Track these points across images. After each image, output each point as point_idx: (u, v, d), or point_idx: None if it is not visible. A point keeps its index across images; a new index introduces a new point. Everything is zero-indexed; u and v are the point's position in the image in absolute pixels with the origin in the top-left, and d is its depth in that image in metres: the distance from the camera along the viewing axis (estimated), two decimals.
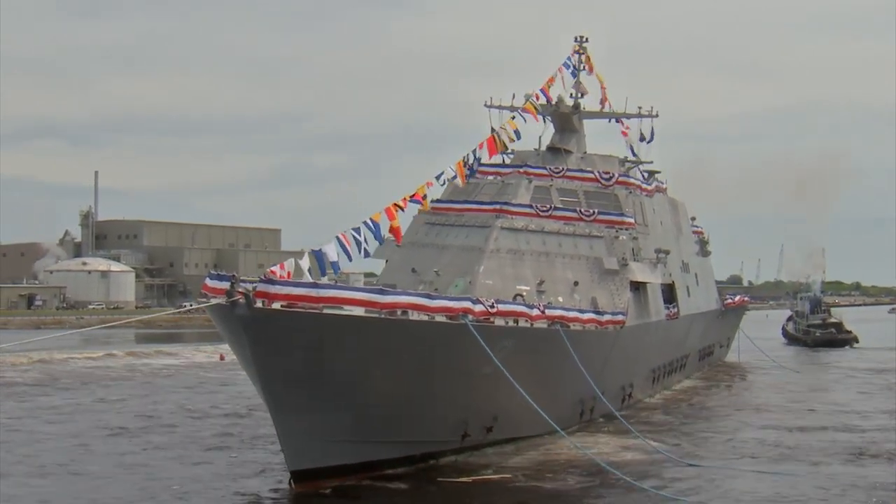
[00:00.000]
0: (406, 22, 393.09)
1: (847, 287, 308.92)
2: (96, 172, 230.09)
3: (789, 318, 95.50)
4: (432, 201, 38.49)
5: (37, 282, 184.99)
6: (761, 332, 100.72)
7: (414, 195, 28.25)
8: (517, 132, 34.92)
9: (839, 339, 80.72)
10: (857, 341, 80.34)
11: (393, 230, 27.24)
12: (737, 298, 67.80)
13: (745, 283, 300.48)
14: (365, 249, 26.03)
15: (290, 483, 23.71)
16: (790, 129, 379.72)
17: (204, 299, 22.55)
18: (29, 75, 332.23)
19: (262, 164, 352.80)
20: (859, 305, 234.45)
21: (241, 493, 23.39)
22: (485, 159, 34.77)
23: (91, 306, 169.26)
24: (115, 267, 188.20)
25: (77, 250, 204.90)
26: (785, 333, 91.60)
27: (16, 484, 24.19)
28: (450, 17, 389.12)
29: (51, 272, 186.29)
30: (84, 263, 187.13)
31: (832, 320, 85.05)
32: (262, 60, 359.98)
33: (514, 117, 36.48)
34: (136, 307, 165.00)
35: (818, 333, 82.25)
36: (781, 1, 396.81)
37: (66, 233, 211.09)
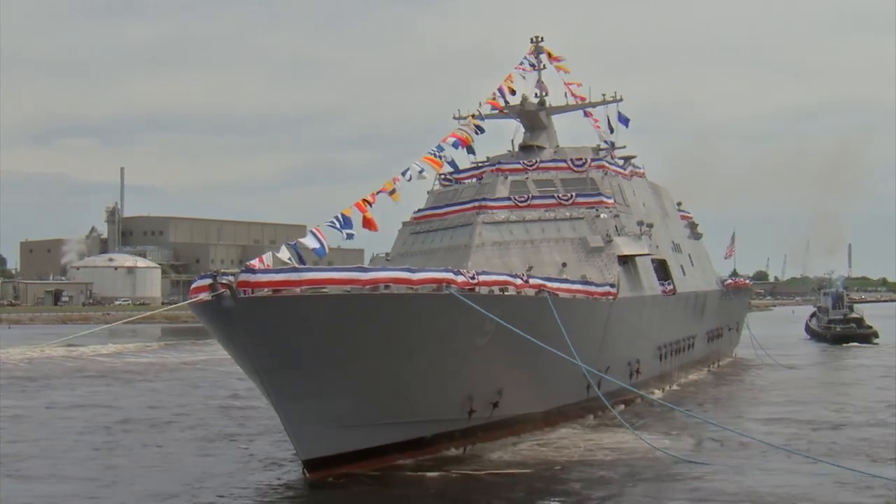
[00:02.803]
0: (433, 22, 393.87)
1: (873, 283, 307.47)
2: (122, 169, 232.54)
3: (812, 314, 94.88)
4: (415, 211, 39.55)
5: (63, 278, 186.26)
6: (785, 329, 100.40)
7: (380, 190, 28.42)
8: (479, 128, 35.01)
9: (859, 334, 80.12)
10: (878, 336, 79.84)
11: (366, 221, 27.36)
12: (737, 280, 67.12)
13: (771, 280, 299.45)
14: (348, 234, 26.48)
15: (303, 472, 23.74)
16: (806, 127, 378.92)
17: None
18: (59, 75, 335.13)
19: (288, 162, 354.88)
20: (886, 301, 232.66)
21: (256, 485, 23.44)
22: (461, 157, 35.42)
23: (117, 302, 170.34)
24: (141, 263, 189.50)
25: (103, 247, 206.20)
26: (808, 329, 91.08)
27: (31, 479, 24.45)
28: (474, 16, 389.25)
29: (77, 268, 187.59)
30: (110, 259, 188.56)
31: (853, 316, 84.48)
32: (289, 60, 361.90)
33: (475, 115, 36.89)
34: (163, 303, 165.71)
35: (839, 329, 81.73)
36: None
37: (93, 229, 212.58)
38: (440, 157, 31.28)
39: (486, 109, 39.61)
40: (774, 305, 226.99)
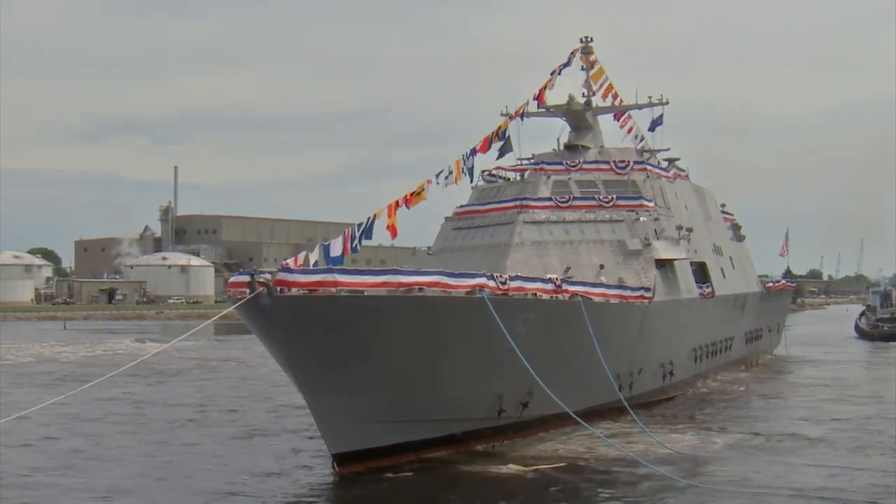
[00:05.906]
0: (486, 19, 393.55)
1: None
2: (176, 167, 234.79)
3: (862, 313, 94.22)
4: (458, 207, 40.33)
5: (117, 276, 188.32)
6: (838, 326, 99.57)
7: (412, 193, 28.76)
8: (504, 132, 34.95)
9: None
10: None
11: (389, 227, 27.83)
12: (779, 283, 66.83)
13: (825, 278, 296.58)
14: (353, 247, 26.81)
15: (333, 466, 24.05)
16: (855, 123, 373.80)
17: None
18: (111, 74, 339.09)
19: (340, 159, 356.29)
20: None
21: (287, 479, 23.80)
22: (483, 161, 35.75)
23: (171, 300, 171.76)
24: (194, 262, 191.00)
25: (157, 245, 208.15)
26: (857, 328, 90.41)
27: (80, 476, 24.75)
28: (528, 14, 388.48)
29: (131, 267, 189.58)
30: (164, 258, 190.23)
31: None
32: (342, 57, 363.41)
33: (508, 116, 37.23)
34: (216, 301, 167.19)
35: (886, 327, 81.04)
36: None
37: (146, 228, 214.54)
38: (464, 165, 31.58)
39: (533, 107, 39.84)
40: (828, 304, 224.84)
